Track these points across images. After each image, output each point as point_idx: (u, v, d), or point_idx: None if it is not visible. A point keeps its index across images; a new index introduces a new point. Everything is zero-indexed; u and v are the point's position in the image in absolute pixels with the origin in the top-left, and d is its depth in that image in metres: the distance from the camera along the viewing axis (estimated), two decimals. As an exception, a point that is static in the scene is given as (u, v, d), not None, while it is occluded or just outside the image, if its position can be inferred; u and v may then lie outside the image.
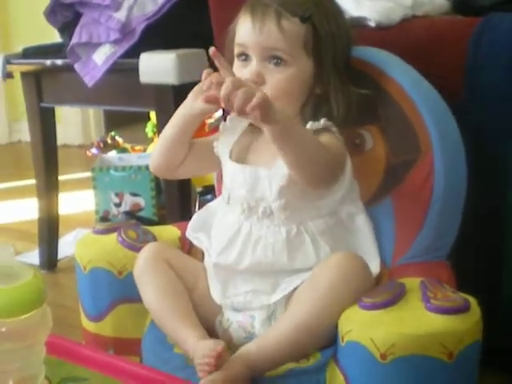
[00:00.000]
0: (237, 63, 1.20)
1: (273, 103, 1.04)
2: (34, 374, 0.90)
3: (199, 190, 2.22)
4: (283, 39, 1.15)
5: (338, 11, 1.24)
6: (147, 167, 2.28)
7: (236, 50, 1.20)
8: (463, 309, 1.01)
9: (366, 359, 1.00)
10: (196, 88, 1.20)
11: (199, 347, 1.09)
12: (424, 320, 1.00)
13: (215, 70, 1.15)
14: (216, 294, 1.23)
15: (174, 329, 1.18)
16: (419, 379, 1.00)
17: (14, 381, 0.88)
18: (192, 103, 1.20)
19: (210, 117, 2.18)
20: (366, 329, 1.01)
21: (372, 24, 1.42)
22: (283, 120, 1.06)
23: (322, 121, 1.17)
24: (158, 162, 1.28)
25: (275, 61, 1.16)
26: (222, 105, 1.06)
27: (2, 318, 0.86)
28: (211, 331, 1.20)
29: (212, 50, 1.13)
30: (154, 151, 1.29)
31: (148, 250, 1.26)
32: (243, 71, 1.18)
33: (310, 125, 1.17)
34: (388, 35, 1.40)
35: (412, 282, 1.10)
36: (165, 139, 1.26)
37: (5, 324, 0.86)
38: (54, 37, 2.21)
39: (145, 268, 1.24)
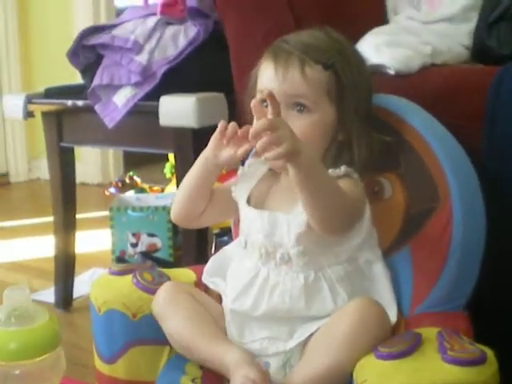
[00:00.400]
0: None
1: (300, 150, 1.03)
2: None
3: (216, 231, 2.23)
4: (306, 86, 1.15)
5: (360, 59, 1.25)
6: (164, 208, 2.29)
7: (258, 96, 1.18)
8: (479, 360, 1.00)
9: (381, 410, 0.98)
10: (216, 137, 1.20)
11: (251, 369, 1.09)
12: (439, 371, 0.98)
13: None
14: (232, 339, 1.21)
15: (207, 347, 1.16)
16: (434, 432, 0.98)
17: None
18: (215, 152, 1.20)
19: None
20: (381, 379, 0.99)
21: (391, 72, 1.43)
22: (308, 163, 1.05)
23: (343, 168, 1.17)
24: (179, 212, 1.28)
25: (298, 107, 1.17)
26: (249, 139, 1.05)
27: (17, 361, 0.86)
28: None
29: (268, 92, 1.11)
30: (174, 202, 1.29)
31: (165, 288, 1.25)
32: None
33: (330, 172, 1.16)
34: (407, 83, 1.41)
35: (429, 332, 1.08)
36: (184, 190, 1.26)
37: (19, 366, 0.86)
38: (76, 78, 2.24)
39: (166, 302, 1.22)
